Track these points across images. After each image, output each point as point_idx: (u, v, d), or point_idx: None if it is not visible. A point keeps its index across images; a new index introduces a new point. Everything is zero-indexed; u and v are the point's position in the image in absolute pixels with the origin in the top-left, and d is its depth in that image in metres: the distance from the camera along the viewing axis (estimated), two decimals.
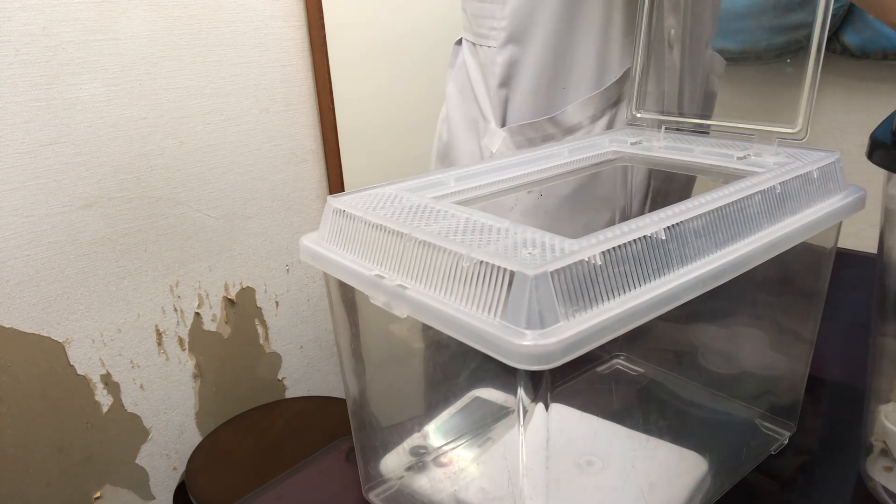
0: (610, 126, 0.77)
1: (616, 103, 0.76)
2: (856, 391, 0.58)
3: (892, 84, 1.33)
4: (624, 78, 0.75)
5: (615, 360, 0.63)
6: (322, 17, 1.32)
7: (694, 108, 0.84)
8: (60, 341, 1.11)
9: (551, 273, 0.31)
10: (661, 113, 0.63)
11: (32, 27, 1.00)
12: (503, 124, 0.78)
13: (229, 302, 1.32)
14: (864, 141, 0.43)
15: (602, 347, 0.42)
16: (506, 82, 0.76)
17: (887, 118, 0.44)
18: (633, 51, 0.61)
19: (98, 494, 1.19)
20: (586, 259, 0.32)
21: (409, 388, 0.54)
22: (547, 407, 0.33)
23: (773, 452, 0.53)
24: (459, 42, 0.85)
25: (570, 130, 0.76)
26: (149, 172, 1.16)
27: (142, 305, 1.20)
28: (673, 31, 0.74)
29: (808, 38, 0.48)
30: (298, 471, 0.57)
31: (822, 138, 1.42)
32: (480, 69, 0.79)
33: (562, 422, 0.47)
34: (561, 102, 0.76)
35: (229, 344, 1.34)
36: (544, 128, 0.76)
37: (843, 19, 1.28)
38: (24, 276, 1.05)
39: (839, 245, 0.51)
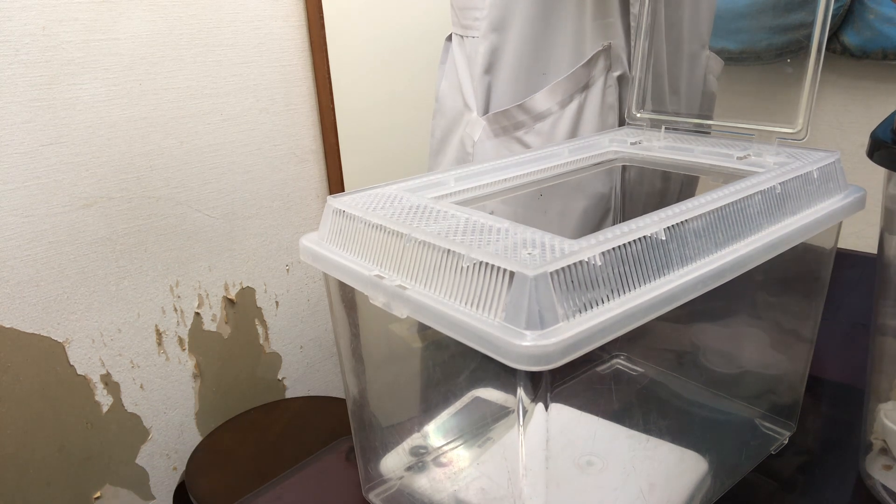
0: (580, 112, 0.78)
1: (585, 88, 0.77)
2: (855, 390, 0.58)
3: (892, 84, 1.33)
4: (593, 61, 0.77)
5: (615, 360, 0.63)
6: (322, 17, 1.32)
7: (692, 108, 0.84)
8: (60, 341, 1.11)
9: (551, 273, 0.31)
10: (662, 113, 0.63)
11: (32, 27, 1.00)
12: (486, 113, 0.80)
13: (229, 302, 1.32)
14: (864, 141, 0.43)
15: (602, 347, 0.42)
16: (488, 69, 0.78)
17: (888, 117, 0.44)
18: (632, 48, 0.61)
19: (98, 494, 1.19)
20: (586, 259, 0.32)
21: (408, 388, 0.54)
22: (547, 407, 0.33)
23: (773, 452, 0.53)
24: (450, 38, 0.87)
25: (539, 117, 0.77)
26: (149, 172, 1.16)
27: (142, 305, 1.20)
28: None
29: (808, 38, 0.48)
30: (298, 471, 0.57)
31: (822, 138, 1.42)
32: (467, 60, 0.81)
33: (562, 422, 0.47)
34: (540, 88, 0.78)
35: (229, 344, 1.34)
36: (514, 115, 0.78)
37: (843, 19, 1.28)
38: (24, 276, 1.05)
39: (839, 245, 0.51)
